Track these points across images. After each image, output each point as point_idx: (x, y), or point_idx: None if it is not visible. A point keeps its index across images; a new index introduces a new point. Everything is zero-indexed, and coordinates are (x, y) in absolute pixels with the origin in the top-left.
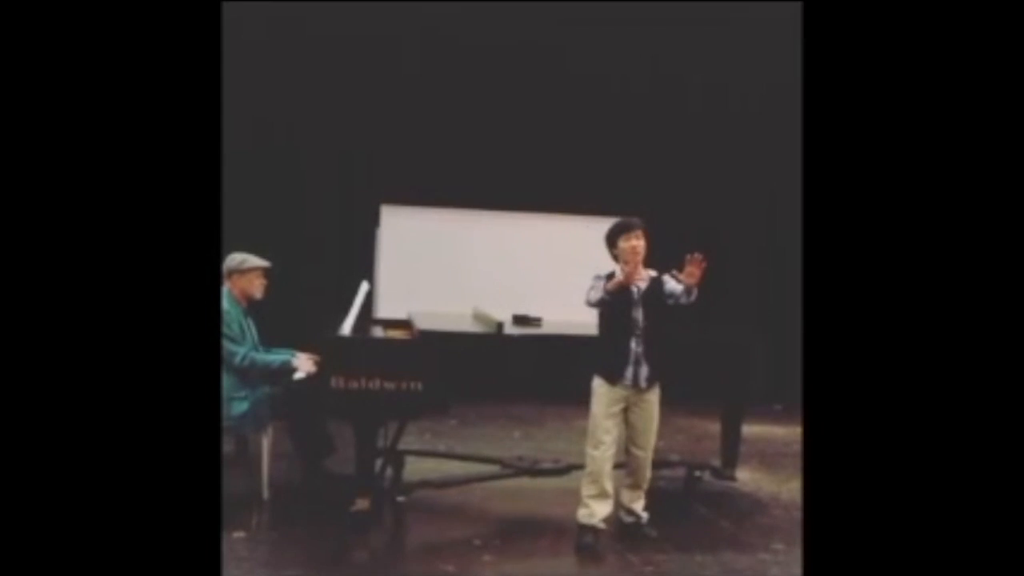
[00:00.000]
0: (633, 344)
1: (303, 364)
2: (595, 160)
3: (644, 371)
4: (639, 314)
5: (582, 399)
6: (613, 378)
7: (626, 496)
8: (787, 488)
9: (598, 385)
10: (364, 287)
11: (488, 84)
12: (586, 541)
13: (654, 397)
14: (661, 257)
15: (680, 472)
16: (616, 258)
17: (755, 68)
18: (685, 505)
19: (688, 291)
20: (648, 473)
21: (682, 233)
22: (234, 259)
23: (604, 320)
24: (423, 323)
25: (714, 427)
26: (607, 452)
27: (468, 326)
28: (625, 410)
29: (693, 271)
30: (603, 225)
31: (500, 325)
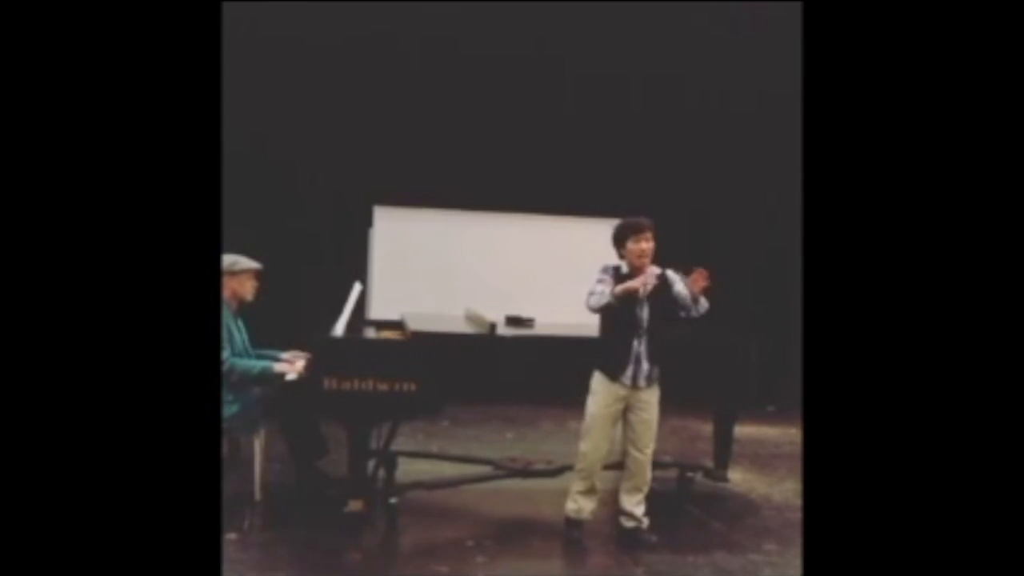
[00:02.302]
0: (635, 343)
1: (286, 367)
2: (590, 161)
3: (644, 369)
4: (644, 312)
5: (575, 400)
6: (614, 375)
7: (626, 500)
8: (779, 489)
9: (597, 382)
10: (357, 288)
11: (484, 85)
12: (574, 535)
13: (653, 398)
14: (659, 259)
15: (672, 473)
16: (623, 258)
17: (755, 68)
18: (677, 506)
19: (695, 301)
20: (648, 476)
21: (680, 235)
22: (225, 260)
23: (607, 317)
24: (416, 324)
25: (707, 428)
26: (600, 451)
27: (461, 327)
28: (624, 411)
29: (698, 279)
30: (597, 226)
31: (493, 326)
